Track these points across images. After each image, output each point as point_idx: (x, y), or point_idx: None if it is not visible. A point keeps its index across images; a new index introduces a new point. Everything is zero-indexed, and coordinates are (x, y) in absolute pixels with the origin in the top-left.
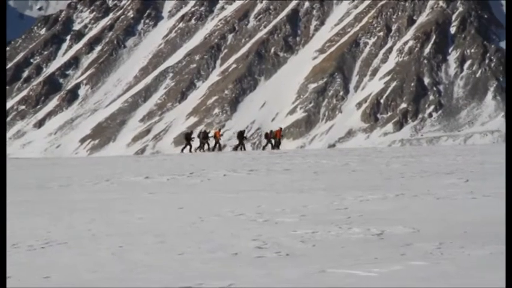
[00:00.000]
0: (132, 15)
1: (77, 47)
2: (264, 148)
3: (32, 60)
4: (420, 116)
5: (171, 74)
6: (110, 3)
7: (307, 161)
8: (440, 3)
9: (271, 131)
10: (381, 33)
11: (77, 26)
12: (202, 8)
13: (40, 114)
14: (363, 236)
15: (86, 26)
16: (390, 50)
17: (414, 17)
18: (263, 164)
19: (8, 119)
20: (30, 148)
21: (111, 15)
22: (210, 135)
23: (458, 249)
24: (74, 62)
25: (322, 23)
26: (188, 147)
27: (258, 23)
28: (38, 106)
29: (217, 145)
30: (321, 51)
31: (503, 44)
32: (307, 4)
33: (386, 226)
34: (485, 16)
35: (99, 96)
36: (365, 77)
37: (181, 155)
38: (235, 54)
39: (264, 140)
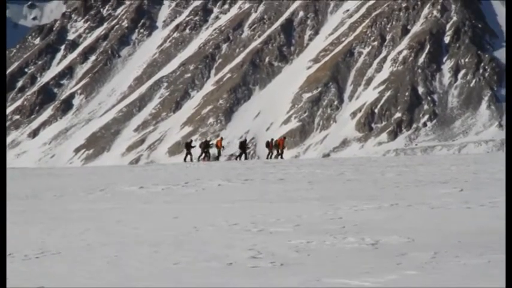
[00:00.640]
0: (126, 25)
1: (71, 56)
2: (267, 157)
3: (26, 70)
4: (414, 125)
5: (165, 84)
6: (105, 13)
7: (301, 170)
8: (435, 12)
9: (272, 140)
10: (375, 43)
11: (71, 36)
12: (197, 18)
13: (34, 124)
14: (358, 246)
15: (80, 36)
16: (384, 59)
17: (408, 27)
18: (258, 174)
19: None
20: (25, 158)
21: (105, 25)
22: (211, 143)
23: (453, 258)
24: (68, 71)
25: (316, 33)
26: (189, 156)
27: (252, 32)
28: (33, 116)
29: (219, 154)
30: (315, 60)
31: (497, 54)
32: (301, 14)
33: (381, 236)
34: (480, 26)
35: (93, 106)
36: (359, 86)
37: (176, 164)
38: (230, 64)
39: (265, 148)
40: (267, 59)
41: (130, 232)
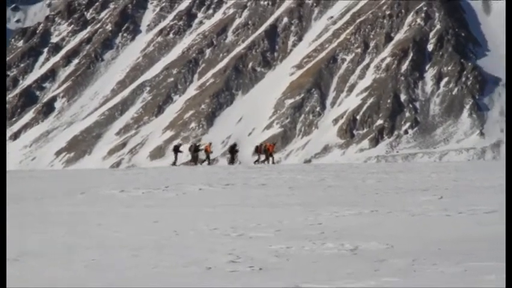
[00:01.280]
0: (110, 29)
1: (54, 59)
2: (256, 162)
3: (8, 73)
4: (396, 132)
5: (148, 88)
6: (88, 16)
7: (282, 176)
8: (418, 20)
9: (261, 145)
10: (359, 50)
11: (54, 39)
12: (181, 23)
13: (16, 127)
14: (337, 252)
15: (63, 39)
16: (367, 66)
17: (392, 34)
18: (239, 179)
19: None
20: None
21: (89, 28)
22: (201, 147)
23: (432, 266)
24: (50, 74)
25: (300, 39)
26: (176, 159)
27: (236, 38)
28: (14, 118)
29: (208, 159)
30: (299, 66)
31: (480, 62)
32: (285, 20)
33: (360, 242)
34: (463, 34)
35: (75, 109)
36: (342, 93)
37: (157, 168)
38: (213, 69)
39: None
40: (250, 65)
41: (111, 236)
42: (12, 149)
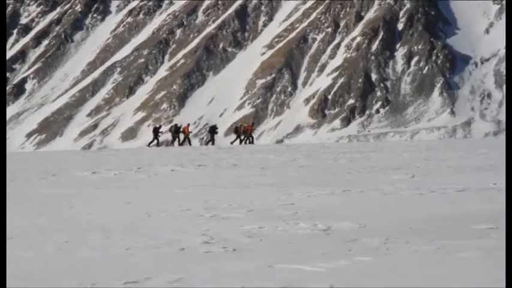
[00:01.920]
0: (80, 10)
1: (23, 41)
2: (232, 142)
3: None
4: (367, 112)
5: (119, 69)
6: None
7: (254, 156)
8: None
9: (241, 125)
10: (329, 29)
11: (23, 20)
12: (151, 3)
13: None
14: (310, 232)
15: (33, 20)
16: (338, 46)
17: (362, 13)
18: (211, 160)
19: None
20: None
21: (58, 9)
22: (181, 128)
23: (404, 244)
24: (20, 56)
25: (270, 19)
26: (155, 141)
27: (206, 18)
28: None
29: (187, 139)
30: (269, 46)
31: (450, 41)
32: (255, 0)
33: (333, 222)
34: (432, 13)
35: (46, 90)
36: (313, 73)
37: (128, 150)
38: (184, 50)
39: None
40: (221, 45)
41: (83, 218)
42: None
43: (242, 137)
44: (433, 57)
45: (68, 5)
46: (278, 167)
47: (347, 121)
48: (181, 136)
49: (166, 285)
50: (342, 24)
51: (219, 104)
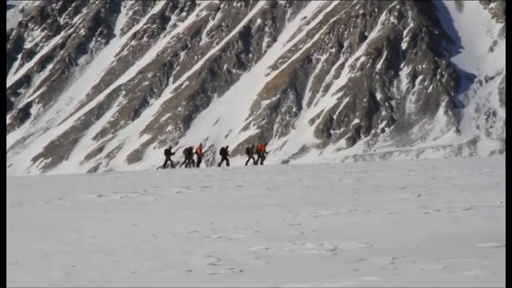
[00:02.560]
0: (83, 33)
1: (28, 65)
2: (247, 163)
3: None
4: (373, 131)
5: (123, 92)
6: (61, 21)
7: (260, 177)
8: (391, 19)
9: (253, 146)
10: (333, 50)
11: (28, 45)
12: (154, 26)
13: None
14: (317, 252)
15: (37, 45)
16: (342, 66)
17: (366, 33)
18: (216, 181)
19: None
20: None
21: (62, 33)
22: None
23: (411, 263)
24: (25, 80)
25: (274, 40)
26: (169, 162)
27: (210, 40)
28: None
29: (199, 160)
30: (274, 67)
31: (454, 60)
32: (259, 21)
33: (339, 241)
34: (436, 32)
35: (51, 114)
36: (317, 93)
37: (135, 172)
38: (188, 71)
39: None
40: (225, 66)
41: (89, 241)
42: None
43: (256, 158)
44: (438, 76)
45: (72, 29)
46: (284, 188)
47: (352, 141)
48: (195, 157)
49: None
50: (345, 44)
51: (224, 125)
